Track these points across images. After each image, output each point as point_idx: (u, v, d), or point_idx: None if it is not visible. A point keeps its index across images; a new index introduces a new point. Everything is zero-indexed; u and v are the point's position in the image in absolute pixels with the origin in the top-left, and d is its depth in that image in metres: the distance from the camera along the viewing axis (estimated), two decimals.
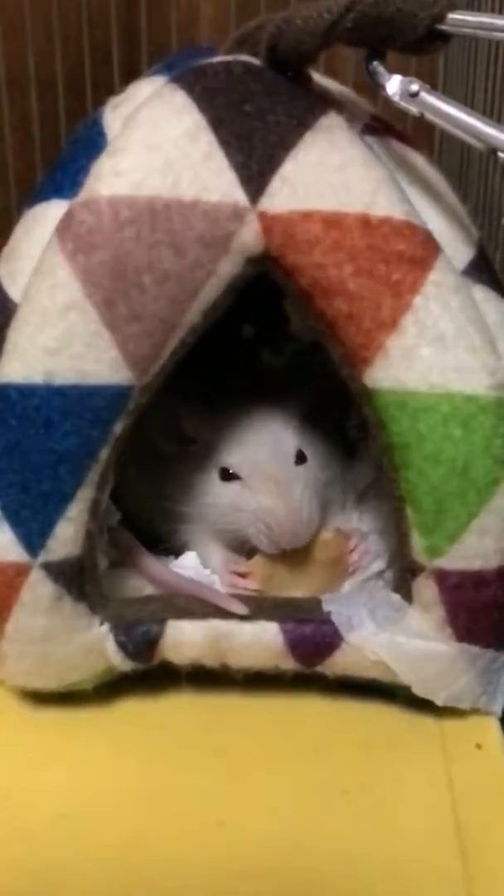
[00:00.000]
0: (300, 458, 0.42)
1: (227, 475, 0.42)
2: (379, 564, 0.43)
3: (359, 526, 0.45)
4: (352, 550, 0.44)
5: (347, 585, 0.43)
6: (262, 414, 0.43)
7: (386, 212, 0.36)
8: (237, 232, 0.36)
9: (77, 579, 0.39)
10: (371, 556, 0.43)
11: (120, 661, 0.40)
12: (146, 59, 0.62)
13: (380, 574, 0.43)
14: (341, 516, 0.45)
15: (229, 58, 0.38)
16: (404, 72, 0.38)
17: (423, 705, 0.40)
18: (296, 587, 0.43)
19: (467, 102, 0.57)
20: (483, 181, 0.58)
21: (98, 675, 0.41)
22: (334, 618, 0.40)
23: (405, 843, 0.36)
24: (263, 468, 0.42)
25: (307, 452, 0.43)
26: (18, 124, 0.63)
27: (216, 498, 0.43)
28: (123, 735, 0.40)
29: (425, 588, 0.38)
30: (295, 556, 0.42)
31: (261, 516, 0.41)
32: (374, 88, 0.38)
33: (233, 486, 0.42)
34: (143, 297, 0.36)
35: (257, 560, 0.43)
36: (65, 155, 0.41)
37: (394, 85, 0.37)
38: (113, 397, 0.37)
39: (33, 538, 0.37)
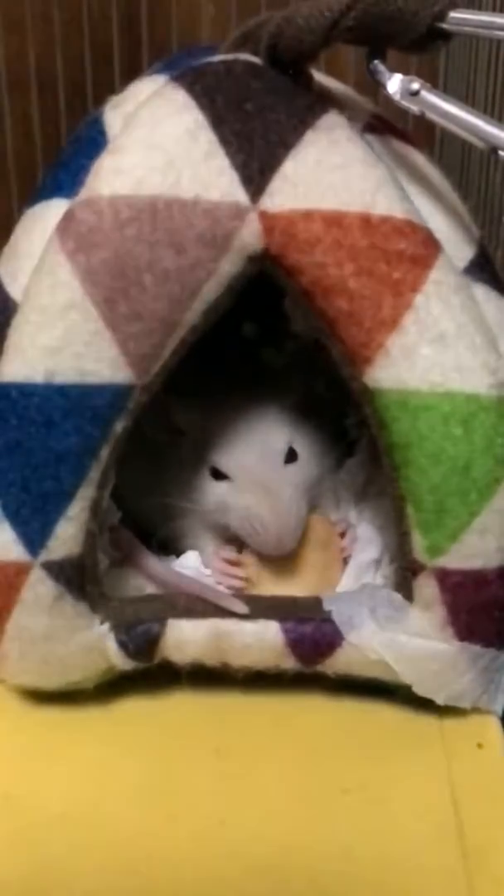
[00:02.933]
0: (290, 457, 0.43)
1: (218, 474, 0.42)
2: (373, 552, 0.43)
3: (356, 522, 0.45)
4: (341, 535, 0.44)
5: (344, 578, 0.43)
6: (254, 410, 0.43)
7: (387, 211, 0.36)
8: (238, 231, 0.36)
9: (78, 578, 0.39)
10: (362, 542, 0.44)
11: (120, 661, 0.40)
12: (147, 59, 0.62)
13: (375, 564, 0.43)
14: (336, 513, 0.46)
15: (230, 56, 0.38)
16: (405, 70, 0.37)
17: (423, 704, 0.40)
18: (290, 573, 0.43)
19: (468, 101, 0.57)
20: (484, 180, 0.58)
21: (99, 675, 0.41)
22: (335, 617, 0.40)
23: (405, 843, 0.36)
24: (252, 471, 0.42)
25: (299, 448, 0.43)
26: (18, 124, 0.63)
27: (207, 495, 0.43)
28: (123, 734, 0.40)
29: (426, 587, 0.38)
30: None
31: (248, 519, 0.41)
32: (374, 87, 0.38)
33: (223, 486, 0.42)
34: (143, 296, 0.36)
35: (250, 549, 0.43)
36: (65, 154, 0.41)
37: (394, 83, 0.37)
38: (113, 396, 0.37)
39: (34, 537, 0.37)
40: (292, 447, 0.43)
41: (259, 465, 0.42)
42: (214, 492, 0.43)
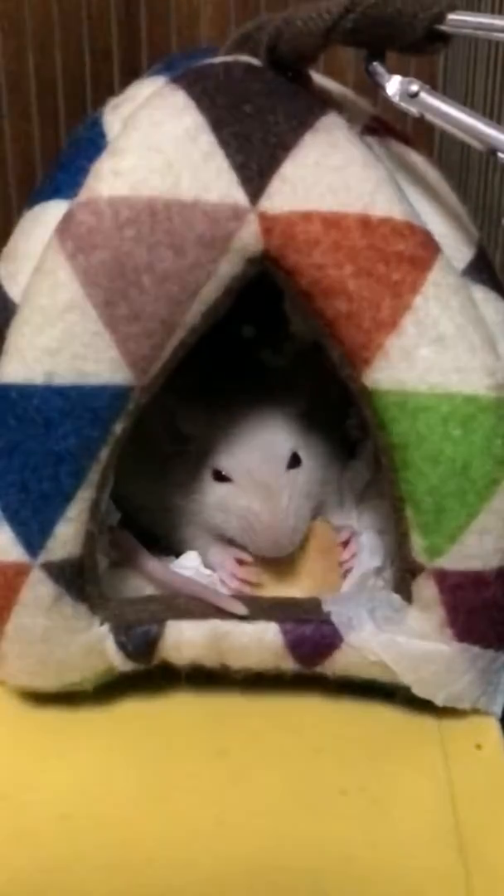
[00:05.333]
0: (294, 462, 0.42)
1: (220, 476, 0.42)
2: (376, 561, 0.43)
3: (357, 524, 0.45)
4: (344, 543, 0.44)
5: (345, 586, 0.43)
6: (259, 415, 0.43)
7: (386, 212, 0.36)
8: (237, 232, 0.36)
9: (77, 579, 0.39)
10: (366, 553, 0.44)
11: (120, 662, 0.40)
12: (146, 60, 0.62)
13: (378, 571, 0.43)
14: (340, 515, 0.46)
15: (229, 58, 0.38)
16: (404, 72, 0.38)
17: (422, 705, 0.40)
18: (288, 578, 0.43)
19: (467, 103, 0.57)
20: (483, 181, 0.58)
21: (98, 676, 0.41)
22: (334, 618, 0.40)
23: (405, 843, 0.36)
24: (253, 473, 0.42)
25: (303, 454, 0.43)
26: (18, 124, 0.63)
27: (207, 497, 0.43)
28: (123, 735, 0.40)
29: (425, 588, 0.38)
30: None
31: (247, 517, 0.41)
32: (373, 89, 0.38)
33: (224, 488, 0.42)
34: (142, 297, 0.36)
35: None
36: (65, 155, 0.41)
37: (393, 85, 0.37)
38: (113, 397, 0.37)
39: (33, 538, 0.37)
40: (296, 453, 0.43)
41: (261, 468, 0.42)
42: (215, 493, 0.43)
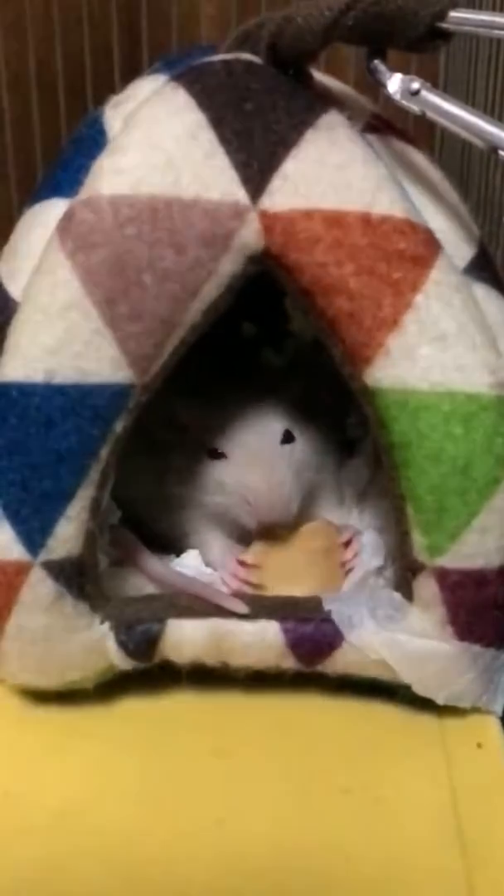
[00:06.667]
0: (287, 438, 0.43)
1: (215, 454, 0.43)
2: (377, 561, 0.43)
3: (358, 523, 0.45)
4: (346, 544, 0.44)
5: (347, 585, 0.43)
6: (254, 399, 0.43)
7: (387, 210, 0.36)
8: (238, 230, 0.36)
9: (77, 578, 0.39)
10: (368, 553, 0.44)
11: (120, 660, 0.40)
12: (147, 58, 0.62)
13: (379, 571, 0.43)
14: (339, 513, 0.46)
15: (230, 56, 0.38)
16: (405, 70, 0.37)
17: (423, 704, 0.40)
18: (290, 579, 0.43)
19: (468, 101, 0.57)
20: (484, 179, 0.58)
21: (98, 674, 0.41)
22: (335, 617, 0.40)
23: (405, 843, 0.36)
24: (248, 445, 0.42)
25: (296, 434, 0.43)
26: (18, 124, 0.63)
27: (205, 478, 0.43)
28: (123, 734, 0.40)
29: (426, 587, 0.38)
30: (284, 543, 0.43)
31: (242, 491, 0.42)
32: (374, 87, 0.38)
33: (220, 465, 0.43)
34: (143, 295, 0.36)
35: (250, 551, 0.43)
36: (65, 154, 0.41)
37: (395, 83, 0.37)
38: (113, 396, 0.37)
39: (34, 537, 0.37)
40: (289, 431, 0.43)
41: (255, 442, 0.42)
42: (212, 472, 0.43)
